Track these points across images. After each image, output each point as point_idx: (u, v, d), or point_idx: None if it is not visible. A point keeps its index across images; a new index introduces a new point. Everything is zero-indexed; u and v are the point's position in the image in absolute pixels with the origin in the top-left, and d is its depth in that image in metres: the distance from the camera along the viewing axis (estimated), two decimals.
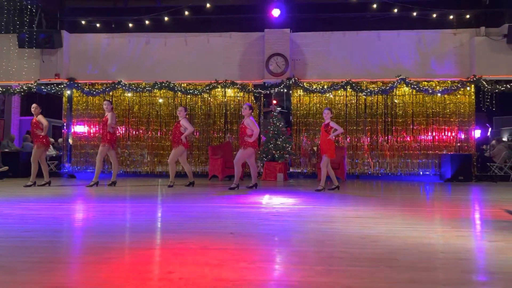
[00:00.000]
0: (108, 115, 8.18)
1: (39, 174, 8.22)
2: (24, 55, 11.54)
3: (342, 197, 6.55)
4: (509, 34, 10.52)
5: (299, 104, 11.49)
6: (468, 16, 11.25)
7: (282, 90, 11.12)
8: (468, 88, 11.12)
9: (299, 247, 3.05)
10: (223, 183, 9.38)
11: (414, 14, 11.06)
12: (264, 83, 11.21)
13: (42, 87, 11.39)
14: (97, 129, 11.72)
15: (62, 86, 11.47)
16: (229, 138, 11.57)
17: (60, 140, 12.49)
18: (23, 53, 11.51)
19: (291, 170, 11.36)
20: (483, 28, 11.10)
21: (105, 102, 8.41)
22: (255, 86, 11.41)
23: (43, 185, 8.14)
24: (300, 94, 11.48)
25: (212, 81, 11.42)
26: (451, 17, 11.29)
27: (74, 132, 11.86)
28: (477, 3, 11.22)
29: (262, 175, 10.32)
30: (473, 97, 11.00)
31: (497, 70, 10.90)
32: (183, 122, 8.12)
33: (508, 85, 10.68)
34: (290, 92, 11.31)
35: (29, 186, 7.98)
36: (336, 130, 7.37)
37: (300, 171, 11.50)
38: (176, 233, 3.54)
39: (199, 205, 5.49)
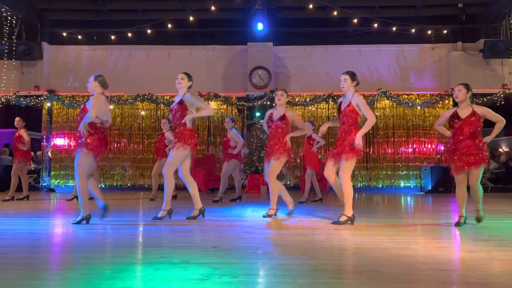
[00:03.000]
0: None
1: (17, 188, 8.04)
2: (3, 67, 11.34)
3: (325, 209, 6.57)
4: (485, 49, 10.84)
5: None
6: (445, 32, 11.57)
7: (265, 102, 11.18)
8: (446, 101, 11.38)
9: (282, 260, 3.04)
10: (206, 196, 9.31)
11: (394, 29, 11.33)
12: (247, 95, 11.26)
13: (21, 99, 11.19)
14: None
15: (42, 98, 11.30)
16: (212, 150, 11.53)
17: (38, 153, 12.24)
18: (2, 64, 11.31)
19: None
20: (460, 43, 11.42)
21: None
22: (238, 98, 11.45)
23: (22, 199, 7.95)
24: None
25: (196, 94, 11.40)
26: (429, 32, 11.60)
27: (54, 145, 11.65)
28: (454, 19, 11.56)
29: (246, 187, 10.29)
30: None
31: (473, 84, 11.03)
32: (168, 135, 8.07)
33: (484, 99, 10.96)
34: (273, 104, 11.35)
35: (7, 200, 7.77)
36: (318, 142, 7.43)
37: (283, 183, 11.51)
38: (157, 247, 3.49)
39: (182, 218, 5.42)
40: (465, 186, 4.76)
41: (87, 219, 4.71)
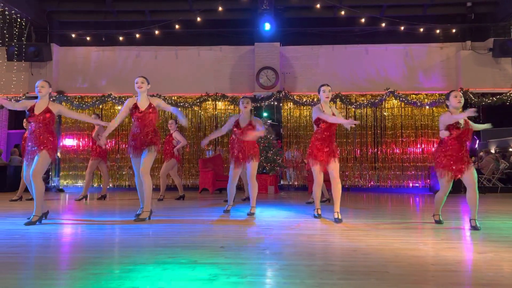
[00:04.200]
0: (97, 128, 8.14)
1: (26, 188, 8.10)
2: (13, 68, 11.47)
3: (332, 209, 6.52)
4: (494, 48, 10.74)
5: (289, 117, 11.55)
6: (454, 31, 11.48)
7: (272, 103, 11.18)
8: None
9: (290, 261, 3.04)
10: (213, 196, 9.34)
11: (402, 28, 11.27)
12: (255, 96, 11.26)
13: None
14: (86, 141, 11.65)
15: (51, 99, 11.37)
16: (219, 150, 11.55)
17: None
18: (12, 66, 11.44)
19: (282, 182, 11.36)
20: (469, 42, 11.33)
21: (93, 115, 8.34)
22: None
23: (31, 199, 8.01)
24: (290, 107, 11.56)
25: (203, 94, 11.44)
26: (438, 31, 11.52)
27: (63, 146, 11.75)
28: (463, 18, 11.47)
29: None
30: (460, 110, 11.08)
31: (483, 83, 11.10)
32: (176, 135, 8.11)
33: (494, 98, 10.87)
34: (281, 105, 11.38)
35: (15, 200, 7.85)
36: None
37: (291, 183, 11.51)
38: (165, 247, 3.50)
39: (189, 218, 5.45)
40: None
41: (45, 215, 5.06)
